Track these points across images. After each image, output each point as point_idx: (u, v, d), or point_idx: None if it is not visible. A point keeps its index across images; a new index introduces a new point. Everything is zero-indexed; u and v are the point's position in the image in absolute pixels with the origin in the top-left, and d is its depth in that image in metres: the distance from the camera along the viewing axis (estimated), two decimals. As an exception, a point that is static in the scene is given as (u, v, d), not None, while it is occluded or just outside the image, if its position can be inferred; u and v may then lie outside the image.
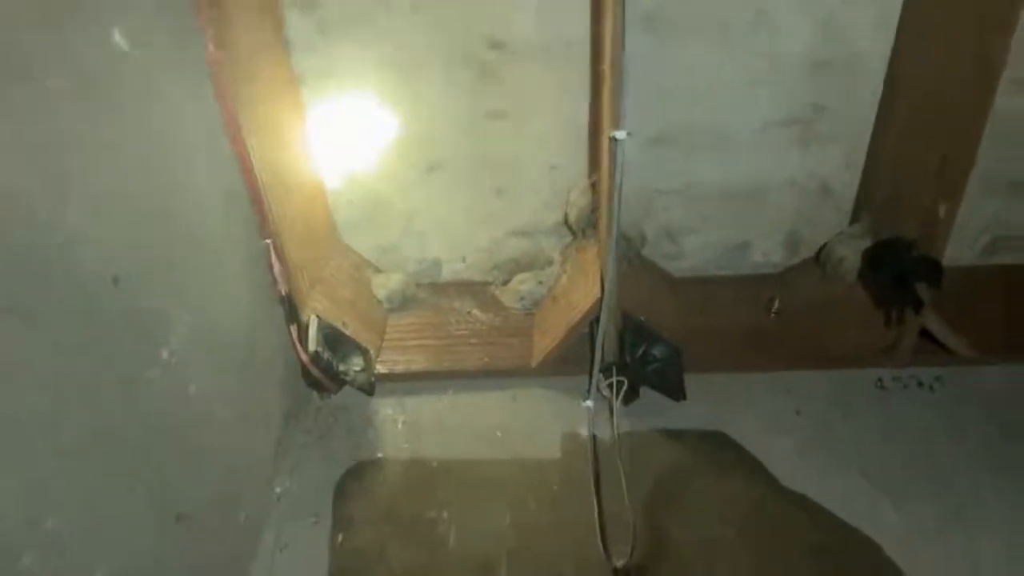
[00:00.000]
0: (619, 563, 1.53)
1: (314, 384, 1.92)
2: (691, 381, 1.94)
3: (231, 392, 1.59)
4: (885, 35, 1.86)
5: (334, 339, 1.89)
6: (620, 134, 1.56)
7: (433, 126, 2.04)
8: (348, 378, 1.86)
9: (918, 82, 1.81)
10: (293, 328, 1.79)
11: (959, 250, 2.21)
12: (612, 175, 1.61)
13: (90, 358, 1.10)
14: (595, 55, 1.85)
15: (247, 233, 1.68)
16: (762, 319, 2.11)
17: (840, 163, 2.07)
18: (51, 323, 1.02)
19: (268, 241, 1.72)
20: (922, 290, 1.76)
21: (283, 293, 1.76)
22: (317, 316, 1.88)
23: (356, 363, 1.91)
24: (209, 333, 1.47)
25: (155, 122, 1.34)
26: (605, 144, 1.64)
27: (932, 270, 1.72)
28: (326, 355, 1.81)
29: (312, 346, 1.79)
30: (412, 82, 1.96)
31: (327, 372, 1.83)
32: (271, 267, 1.74)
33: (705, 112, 1.99)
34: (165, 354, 1.30)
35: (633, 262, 2.18)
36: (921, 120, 1.79)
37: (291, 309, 1.78)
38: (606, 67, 1.53)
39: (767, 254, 2.26)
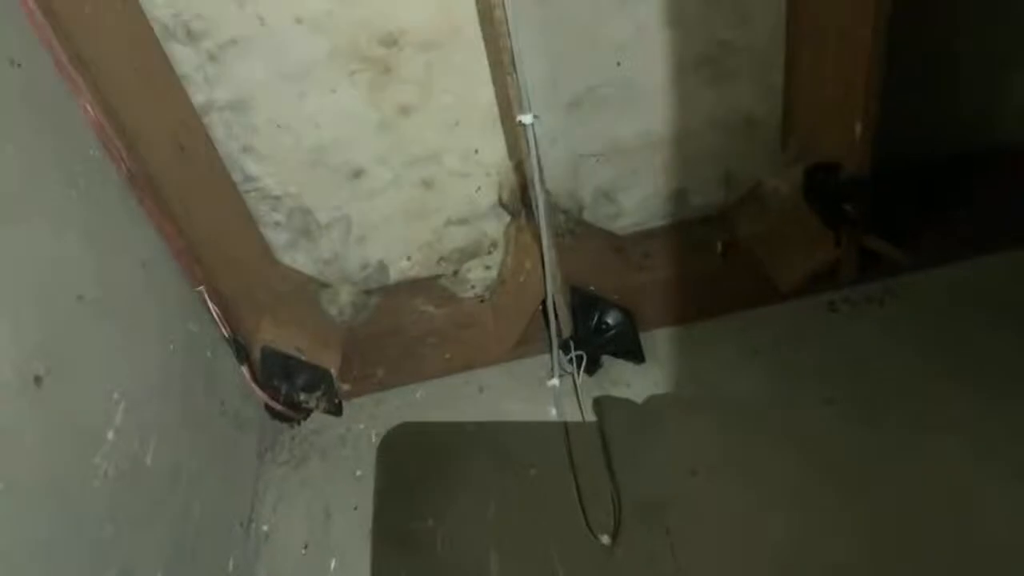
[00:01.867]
0: (604, 538, 1.56)
1: (280, 416, 1.91)
2: (649, 339, 1.96)
3: (193, 446, 1.58)
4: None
5: (290, 368, 1.88)
6: (527, 119, 1.54)
7: (346, 131, 1.99)
8: (311, 405, 1.86)
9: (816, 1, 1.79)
10: (245, 368, 1.77)
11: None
12: (528, 157, 1.59)
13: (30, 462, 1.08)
14: (488, 38, 1.80)
15: (174, 286, 1.65)
16: (710, 264, 2.12)
17: (758, 95, 2.05)
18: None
19: (200, 288, 1.68)
20: (853, 209, 1.77)
21: (226, 335, 1.74)
22: (269, 348, 1.86)
23: (318, 388, 1.90)
24: (151, 401, 1.45)
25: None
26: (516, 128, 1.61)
27: (859, 189, 1.73)
28: (284, 387, 1.80)
29: (270, 382, 1.77)
30: (313, 91, 1.91)
31: (289, 403, 1.83)
32: (210, 312, 1.71)
33: (612, 68, 1.96)
34: (111, 435, 1.28)
35: (576, 232, 2.17)
36: (825, 40, 1.78)
37: (239, 349, 1.76)
38: (502, 55, 1.49)
39: (706, 196, 2.26)
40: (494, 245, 2.26)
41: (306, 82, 1.89)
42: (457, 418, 1.94)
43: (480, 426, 1.91)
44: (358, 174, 2.08)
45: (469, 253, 2.28)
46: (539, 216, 1.69)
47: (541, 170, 1.61)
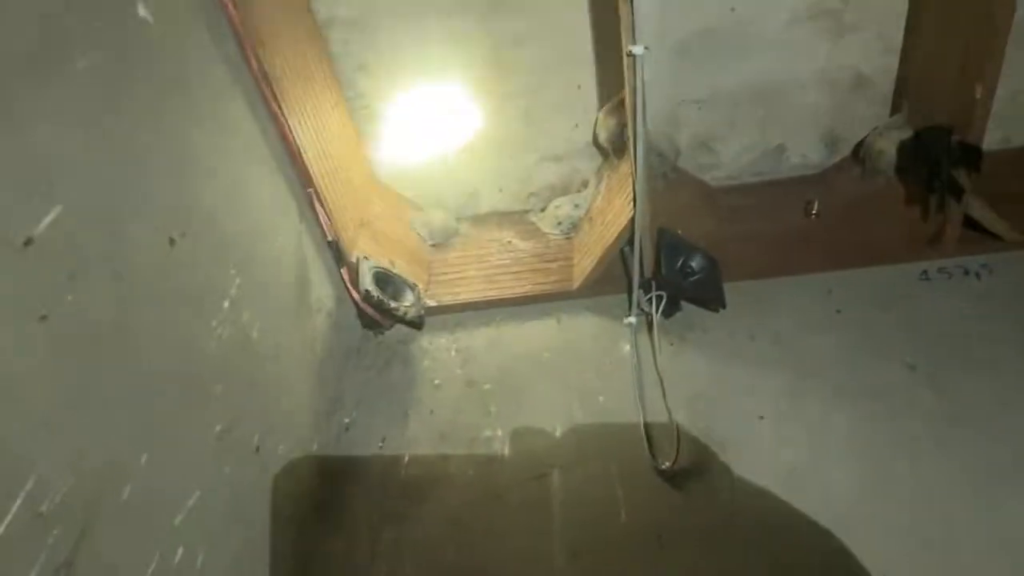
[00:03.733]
0: (664, 464, 1.62)
1: (369, 323, 2.04)
2: (731, 290, 1.97)
3: (292, 335, 1.72)
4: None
5: (383, 278, 1.99)
6: (637, 49, 1.56)
7: (456, 58, 2.06)
8: (399, 314, 1.97)
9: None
10: (344, 271, 1.89)
11: (1015, 128, 2.13)
12: (635, 91, 1.62)
13: (161, 310, 1.22)
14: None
15: (289, 186, 1.78)
16: (802, 222, 2.10)
17: (873, 53, 2.00)
18: (133, 281, 1.14)
19: (310, 190, 1.80)
20: (961, 177, 1.72)
21: (329, 239, 1.86)
22: (366, 257, 1.98)
23: (406, 299, 2.01)
24: (263, 284, 1.58)
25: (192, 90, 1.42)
26: (625, 60, 1.64)
27: (970, 155, 1.68)
28: (376, 294, 1.91)
29: (363, 286, 1.89)
30: (425, 20, 1.98)
31: (379, 310, 1.94)
32: (316, 215, 1.83)
33: (726, 13, 1.94)
34: (226, 304, 1.42)
35: (668, 176, 2.18)
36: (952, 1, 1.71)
37: (339, 253, 1.88)
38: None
39: (805, 155, 2.22)
40: (584, 184, 2.30)
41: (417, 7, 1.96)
42: (534, 345, 2.01)
43: (554, 353, 1.97)
44: (459, 104, 2.15)
45: (560, 190, 2.33)
46: (636, 152, 1.71)
47: (644, 105, 1.63)
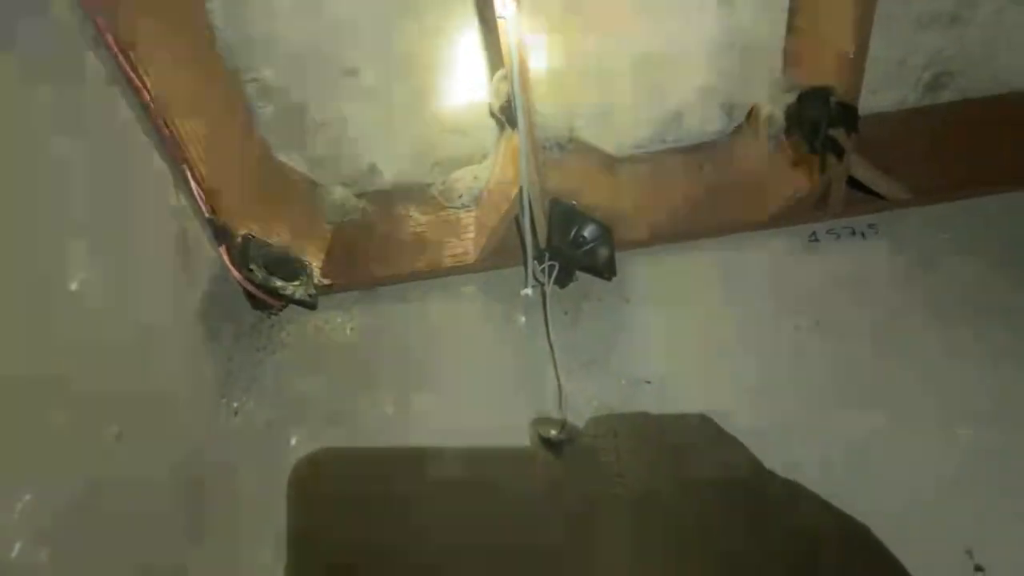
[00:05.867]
0: (551, 433, 1.61)
1: (259, 304, 1.97)
2: (628, 257, 1.96)
3: (167, 315, 1.65)
4: None
5: (270, 256, 1.93)
6: (507, 9, 1.52)
7: (344, 25, 1.99)
8: (287, 292, 1.91)
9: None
10: (223, 250, 1.82)
11: (902, 91, 2.17)
12: (510, 59, 1.58)
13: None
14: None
15: (165, 161, 1.70)
16: (697, 188, 2.10)
17: (762, 17, 2.00)
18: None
19: (183, 165, 1.73)
20: (840, 136, 1.73)
21: (207, 216, 1.79)
22: (250, 235, 1.91)
23: (296, 278, 1.95)
24: (126, 254, 1.51)
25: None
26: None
27: (849, 116, 1.69)
28: (260, 273, 1.85)
29: (245, 264, 1.83)
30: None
31: (264, 290, 1.88)
32: (191, 191, 1.76)
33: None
34: (74, 286, 1.35)
35: (566, 147, 2.16)
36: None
37: (217, 231, 1.81)
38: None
39: (704, 122, 2.22)
40: (485, 156, 2.26)
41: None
42: (432, 321, 1.98)
43: (450, 328, 1.94)
44: (351, 72, 2.09)
45: (462, 162, 2.29)
46: (519, 122, 1.68)
47: (525, 73, 1.59)
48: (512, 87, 1.62)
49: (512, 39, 1.55)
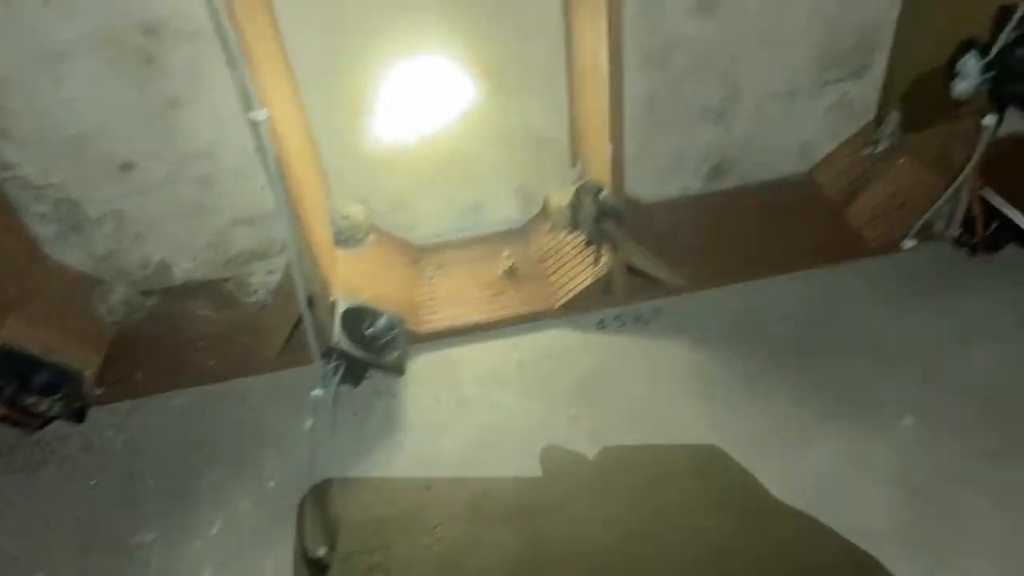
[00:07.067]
0: (319, 552, 1.51)
1: (8, 420, 1.78)
2: (426, 349, 1.94)
3: None
4: None
5: (26, 368, 1.75)
6: (258, 115, 1.49)
7: (110, 121, 1.89)
8: (42, 409, 1.73)
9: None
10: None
11: (685, 179, 2.29)
12: (265, 157, 1.54)
13: None
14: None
15: None
16: (495, 277, 2.11)
17: (548, 112, 2.07)
18: None
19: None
20: (612, 228, 1.79)
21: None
22: (6, 345, 1.73)
23: (57, 391, 1.78)
24: None
25: None
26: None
27: (614, 208, 1.76)
28: (8, 389, 1.67)
29: (-13, 382, 1.65)
30: (71, 78, 1.80)
31: (15, 408, 1.70)
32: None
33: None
34: None
35: (361, 239, 2.12)
36: (584, 69, 1.81)
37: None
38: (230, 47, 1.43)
39: (503, 211, 2.26)
40: (282, 248, 2.18)
41: (63, 67, 1.79)
42: (214, 427, 1.85)
43: (234, 435, 1.82)
44: (127, 167, 1.98)
45: (258, 255, 2.20)
46: (284, 220, 1.63)
47: (275, 167, 1.55)
48: (275, 187, 1.58)
49: (267, 143, 1.51)
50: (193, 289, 2.19)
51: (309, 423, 1.81)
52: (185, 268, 2.20)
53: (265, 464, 1.74)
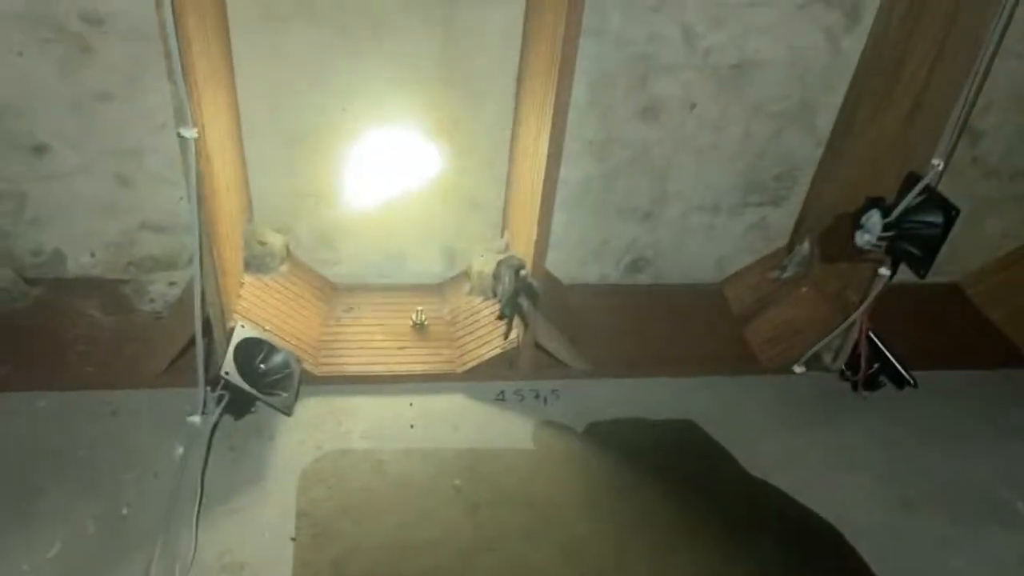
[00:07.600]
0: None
1: None
2: (321, 392, 1.89)
3: None
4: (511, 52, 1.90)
5: None
6: (188, 132, 1.45)
7: (31, 100, 1.80)
8: None
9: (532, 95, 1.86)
10: None
11: (606, 268, 2.35)
12: (188, 174, 1.49)
13: None
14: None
15: None
16: (404, 329, 2.09)
17: (485, 181, 2.10)
18: None
19: None
20: (526, 306, 1.82)
21: None
22: None
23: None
24: None
25: None
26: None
27: (532, 289, 1.78)
28: None
29: None
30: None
31: None
32: None
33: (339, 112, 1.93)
34: None
35: (276, 269, 2.07)
36: (525, 149, 1.86)
37: None
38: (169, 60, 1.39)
39: (426, 265, 2.26)
40: (189, 261, 2.10)
41: (-12, 34, 1.70)
42: (74, 439, 1.73)
43: (92, 453, 1.71)
44: (41, 149, 1.88)
45: (162, 264, 2.12)
46: (195, 235, 1.57)
47: (201, 187, 1.51)
48: (191, 204, 1.53)
49: (191, 162, 1.47)
50: (85, 285, 2.08)
51: (180, 451, 1.72)
52: (82, 263, 2.09)
53: (123, 488, 1.63)
